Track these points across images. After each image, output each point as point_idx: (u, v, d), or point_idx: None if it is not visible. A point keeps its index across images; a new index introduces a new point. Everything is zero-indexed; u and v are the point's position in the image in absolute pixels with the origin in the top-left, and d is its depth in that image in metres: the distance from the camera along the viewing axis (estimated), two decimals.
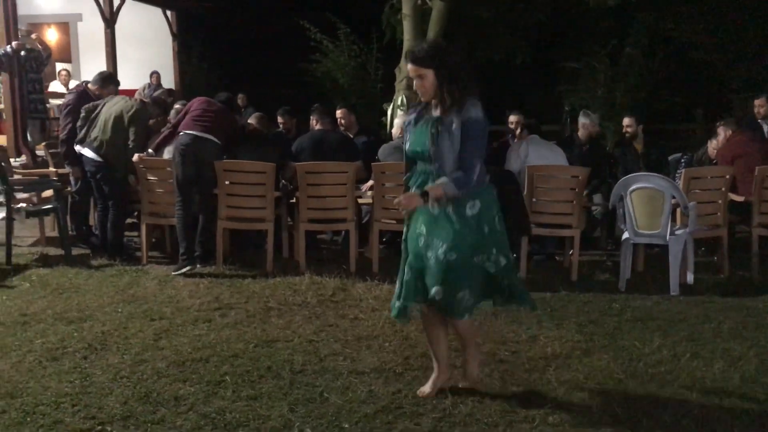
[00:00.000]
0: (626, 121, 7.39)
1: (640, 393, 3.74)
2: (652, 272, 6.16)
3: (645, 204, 5.70)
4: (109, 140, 6.44)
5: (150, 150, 6.46)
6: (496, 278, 3.55)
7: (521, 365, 4.12)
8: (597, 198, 6.82)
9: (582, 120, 7.30)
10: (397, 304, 3.59)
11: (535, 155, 6.40)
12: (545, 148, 6.55)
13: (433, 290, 3.43)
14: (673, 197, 5.66)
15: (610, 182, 6.60)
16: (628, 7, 11.74)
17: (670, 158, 7.37)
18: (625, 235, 5.83)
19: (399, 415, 3.47)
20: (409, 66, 3.42)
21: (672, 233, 5.69)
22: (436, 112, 3.43)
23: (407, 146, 3.57)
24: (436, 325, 3.65)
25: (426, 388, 3.69)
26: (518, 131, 7.04)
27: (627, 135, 7.31)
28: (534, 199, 6.09)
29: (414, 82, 3.46)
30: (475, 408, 3.57)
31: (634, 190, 5.70)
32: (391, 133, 7.78)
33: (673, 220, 5.86)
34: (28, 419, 3.43)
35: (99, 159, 6.48)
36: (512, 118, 7.20)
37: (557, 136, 9.31)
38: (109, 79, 7.21)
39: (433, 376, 3.72)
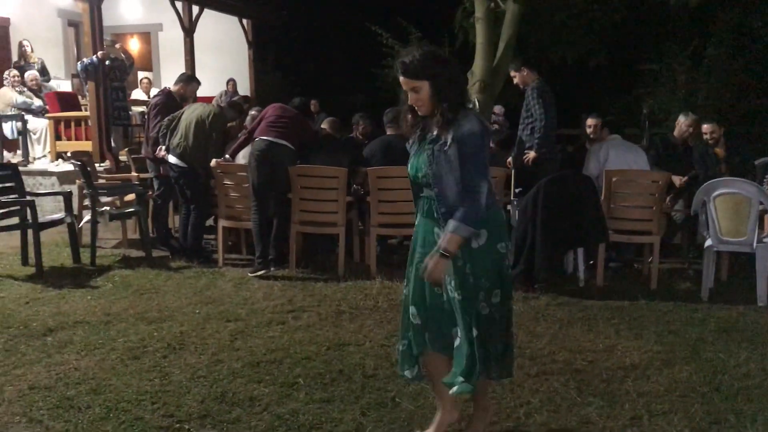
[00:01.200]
0: (709, 127, 6.97)
1: (726, 408, 3.57)
2: (737, 282, 5.91)
3: (730, 210, 5.46)
4: (192, 145, 6.65)
5: (227, 155, 6.63)
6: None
7: (598, 375, 4.00)
8: (678, 204, 6.57)
9: (683, 118, 7.11)
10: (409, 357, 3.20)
11: (615, 158, 6.19)
12: (626, 150, 6.33)
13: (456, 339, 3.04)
14: (761, 203, 5.40)
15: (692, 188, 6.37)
16: (711, 6, 11.29)
17: (756, 162, 7.03)
18: (708, 243, 5.60)
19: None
20: (401, 78, 2.98)
21: (759, 241, 5.43)
22: (433, 130, 2.99)
23: (408, 167, 3.15)
24: (440, 362, 3.20)
25: (429, 431, 3.28)
26: (599, 131, 6.83)
27: (712, 142, 6.96)
28: (612, 205, 5.92)
29: (409, 96, 3.02)
30: (551, 418, 3.49)
31: (717, 196, 5.47)
32: None
33: (761, 227, 5.59)
34: (111, 415, 3.55)
35: (182, 164, 6.69)
36: (590, 122, 6.98)
37: (637, 140, 9.03)
38: (192, 78, 7.68)
39: (438, 416, 3.28)
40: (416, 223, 3.20)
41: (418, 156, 3.07)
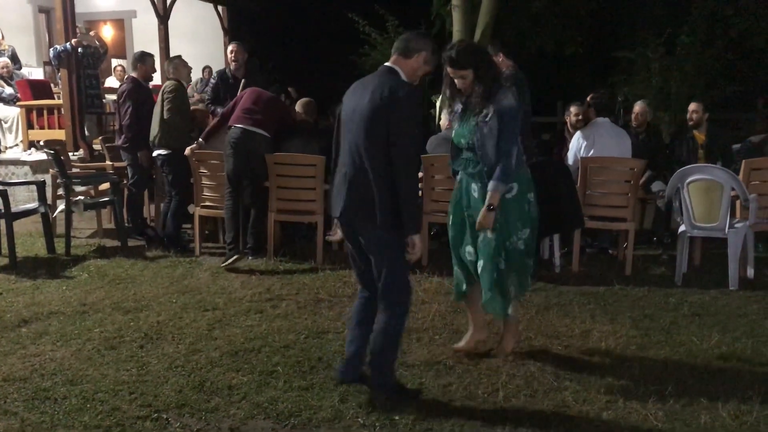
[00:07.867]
0: (692, 106, 6.84)
1: (699, 390, 3.64)
2: (709, 266, 5.99)
3: (703, 196, 5.52)
4: (158, 125, 6.58)
5: (200, 140, 6.57)
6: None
7: (574, 360, 4.06)
8: (659, 186, 6.57)
9: (636, 107, 7.18)
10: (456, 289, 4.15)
11: (601, 146, 6.16)
12: (611, 135, 6.22)
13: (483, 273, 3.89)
14: (733, 189, 5.48)
15: (665, 174, 6.40)
16: None
17: (734, 147, 7.07)
18: (682, 228, 5.68)
19: (450, 409, 3.46)
20: (449, 68, 3.75)
21: (731, 226, 5.51)
22: (475, 105, 3.76)
23: (453, 135, 3.94)
24: (478, 290, 4.00)
25: (461, 344, 4.12)
26: (585, 115, 6.73)
27: (691, 123, 6.89)
28: (588, 191, 5.96)
29: (456, 81, 3.79)
30: (528, 403, 3.53)
31: (691, 182, 5.54)
32: (439, 125, 7.72)
33: (732, 213, 5.67)
34: (88, 406, 3.53)
35: (163, 151, 6.63)
36: (573, 110, 6.89)
37: None
38: (144, 55, 7.29)
39: (469, 333, 4.15)
40: (458, 179, 3.98)
41: (463, 126, 3.84)
